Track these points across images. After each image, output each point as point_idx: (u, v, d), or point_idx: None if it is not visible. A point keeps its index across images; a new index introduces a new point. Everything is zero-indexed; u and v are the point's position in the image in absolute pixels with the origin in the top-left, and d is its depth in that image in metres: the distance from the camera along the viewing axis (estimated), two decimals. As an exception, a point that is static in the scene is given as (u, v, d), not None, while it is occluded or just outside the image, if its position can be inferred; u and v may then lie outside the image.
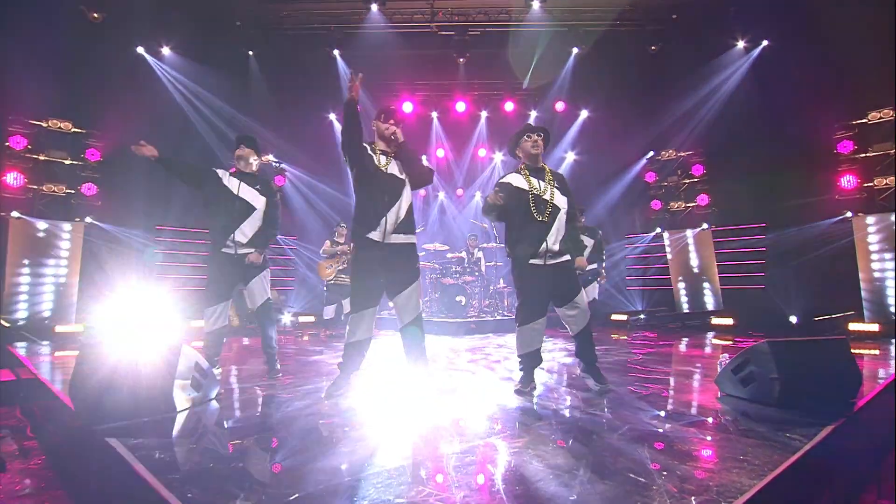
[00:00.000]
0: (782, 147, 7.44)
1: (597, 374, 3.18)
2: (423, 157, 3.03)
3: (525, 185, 3.17)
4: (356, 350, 3.11)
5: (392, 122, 3.16)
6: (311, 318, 8.98)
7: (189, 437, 2.27)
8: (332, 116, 10.18)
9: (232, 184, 3.70)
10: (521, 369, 3.23)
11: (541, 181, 3.20)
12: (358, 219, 3.09)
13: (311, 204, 10.04)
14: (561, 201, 3.19)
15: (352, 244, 3.22)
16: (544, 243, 3.10)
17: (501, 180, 3.24)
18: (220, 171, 3.73)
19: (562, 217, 3.17)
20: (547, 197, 3.14)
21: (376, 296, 3.13)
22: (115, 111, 7.34)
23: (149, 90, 8.03)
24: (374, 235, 3.03)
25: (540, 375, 3.71)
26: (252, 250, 3.67)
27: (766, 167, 7.67)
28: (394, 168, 3.15)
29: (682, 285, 8.96)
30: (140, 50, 8.03)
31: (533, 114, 10.30)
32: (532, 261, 3.14)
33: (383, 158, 3.15)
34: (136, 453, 1.89)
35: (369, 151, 3.13)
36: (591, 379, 3.18)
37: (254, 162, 3.82)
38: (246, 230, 3.66)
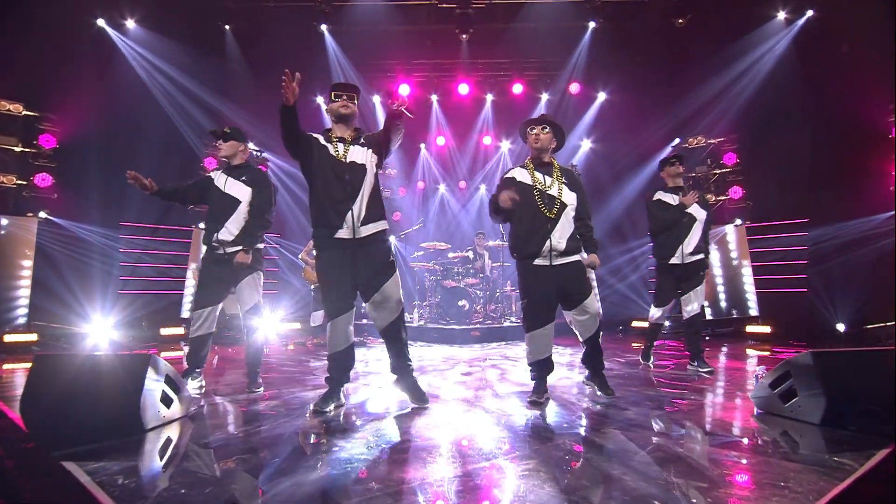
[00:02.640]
0: (827, 132, 7.37)
1: (602, 382, 3.41)
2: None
3: (529, 180, 3.31)
4: (342, 360, 3.15)
5: (344, 97, 3.13)
6: (297, 326, 8.98)
7: (158, 459, 2.25)
8: (320, 100, 10.16)
9: (219, 179, 3.83)
10: (532, 378, 3.36)
11: (547, 176, 3.33)
12: (319, 219, 3.07)
13: (295, 198, 10.03)
14: (569, 197, 3.31)
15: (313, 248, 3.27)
16: (548, 241, 3.20)
17: (506, 175, 3.41)
18: (212, 174, 3.90)
19: (569, 214, 3.28)
20: (553, 192, 3.26)
21: (349, 301, 3.12)
22: (72, 92, 7.32)
23: (111, 69, 7.96)
24: (343, 233, 3.02)
25: (551, 390, 3.71)
26: (239, 249, 3.69)
27: (808, 155, 7.62)
28: (355, 154, 3.12)
29: (719, 288, 8.92)
30: (101, 23, 7.96)
31: (544, 97, 10.29)
32: (536, 261, 3.25)
33: (341, 146, 3.12)
34: (97, 479, 1.87)
35: (322, 142, 3.12)
36: (596, 387, 3.44)
37: (240, 153, 3.88)
38: (231, 227, 3.72)
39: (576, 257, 3.29)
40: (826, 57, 7.49)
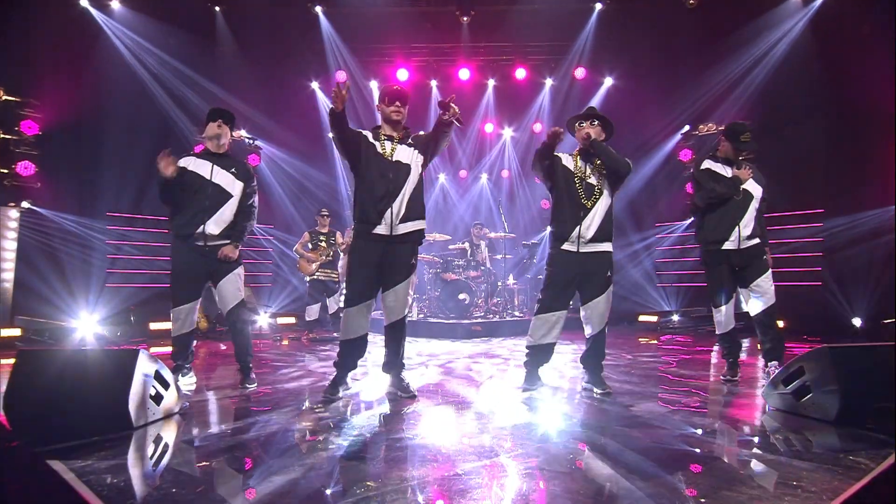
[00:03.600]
0: (845, 119, 7.32)
1: (597, 379, 3.46)
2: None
3: (571, 166, 3.49)
4: (354, 347, 3.32)
5: (398, 104, 3.32)
6: (292, 320, 8.99)
7: (148, 458, 2.25)
8: (315, 85, 10.12)
9: (202, 167, 3.67)
10: (525, 364, 3.56)
11: (589, 164, 3.50)
12: (361, 213, 3.29)
13: (290, 187, 10.01)
14: (605, 186, 3.47)
15: (351, 235, 3.52)
16: (578, 227, 3.38)
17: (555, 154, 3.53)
18: (183, 162, 3.65)
19: (604, 202, 3.44)
20: (593, 181, 3.44)
21: (373, 291, 3.33)
22: (55, 76, 7.26)
23: (96, 51, 7.90)
24: (381, 229, 3.24)
25: (556, 384, 3.72)
26: (225, 243, 3.65)
27: (824, 143, 7.58)
28: (401, 153, 3.33)
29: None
30: (84, 3, 7.90)
31: (548, 82, 10.24)
32: (564, 245, 3.43)
33: (388, 145, 3.33)
34: (85, 478, 1.87)
35: (371, 139, 3.32)
36: (593, 386, 3.47)
37: (226, 142, 3.80)
38: (219, 221, 3.64)
39: (604, 246, 3.44)
40: (845, 40, 7.40)
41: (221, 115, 3.79)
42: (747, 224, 3.88)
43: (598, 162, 3.46)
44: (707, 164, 4.06)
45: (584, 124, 3.50)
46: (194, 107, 8.49)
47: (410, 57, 10.06)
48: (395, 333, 3.39)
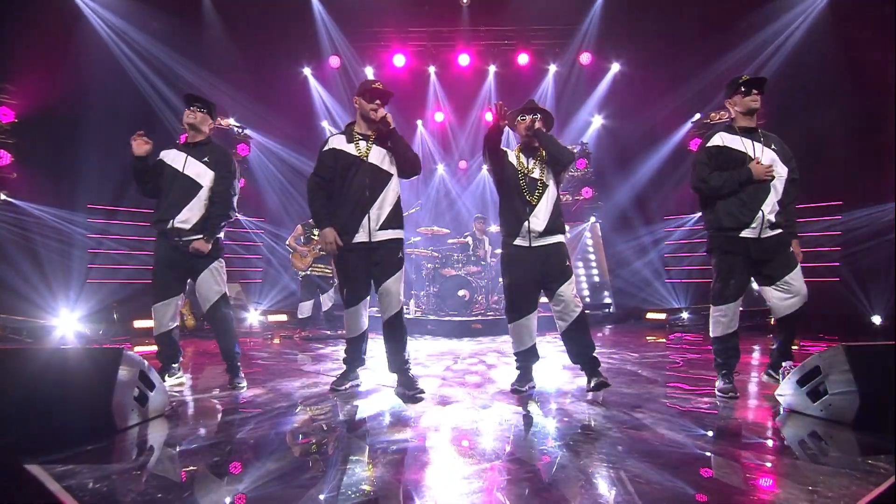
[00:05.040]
0: (865, 106, 7.28)
1: (591, 370, 3.42)
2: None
3: (515, 163, 3.56)
4: (359, 343, 3.63)
5: (379, 102, 3.36)
6: (284, 317, 8.99)
7: (132, 462, 2.25)
8: (308, 71, 10.08)
9: (177, 159, 3.69)
10: (517, 367, 3.63)
11: (530, 159, 3.56)
12: (339, 221, 3.37)
13: (281, 178, 9.99)
14: (550, 179, 3.53)
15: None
16: (527, 223, 3.43)
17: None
18: (162, 154, 3.73)
19: (550, 196, 3.49)
20: (536, 175, 3.50)
21: (366, 290, 3.53)
22: (31, 61, 7.21)
23: (76, 36, 7.85)
24: (360, 237, 3.35)
25: (558, 386, 3.72)
26: (198, 237, 3.61)
27: (843, 131, 7.55)
28: (376, 155, 3.40)
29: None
30: (63, -17, 7.86)
31: (552, 68, 10.22)
32: (517, 241, 3.50)
33: (363, 144, 3.39)
34: (66, 483, 1.87)
35: (339, 146, 3.39)
36: (590, 381, 3.41)
37: (207, 130, 3.78)
38: (188, 214, 3.61)
39: (556, 238, 3.48)
40: (865, 21, 7.33)
41: (195, 100, 3.75)
42: (772, 209, 3.36)
43: (541, 156, 3.54)
44: (717, 138, 3.46)
45: (527, 118, 3.56)
46: (180, 94, 8.41)
47: (407, 42, 10.03)
48: (393, 330, 3.46)
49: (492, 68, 10.35)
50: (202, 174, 3.67)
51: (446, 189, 11.30)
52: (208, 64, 8.90)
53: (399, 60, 9.90)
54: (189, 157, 3.69)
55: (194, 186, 3.64)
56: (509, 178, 3.53)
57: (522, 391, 3.47)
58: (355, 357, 3.65)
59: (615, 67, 9.92)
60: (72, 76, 7.51)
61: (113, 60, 8.12)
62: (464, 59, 9.99)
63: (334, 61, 9.88)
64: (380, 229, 3.36)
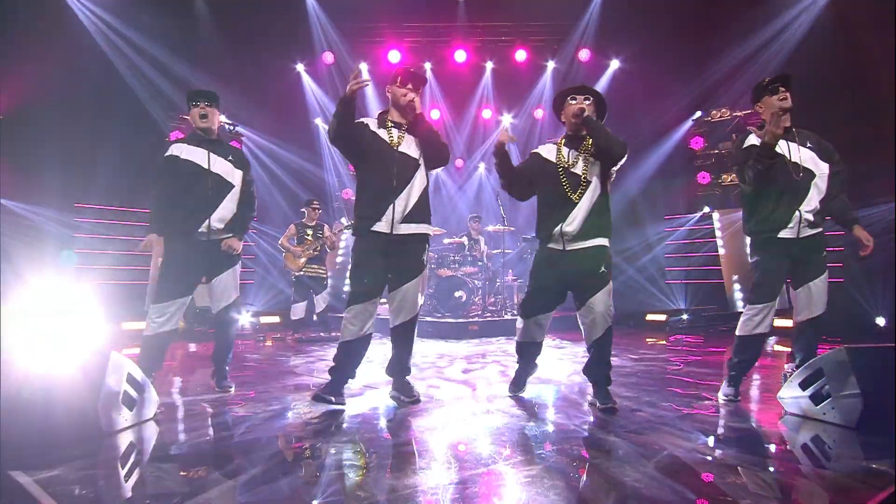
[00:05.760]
0: (869, 103, 7.29)
1: (603, 392, 3.18)
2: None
3: (553, 157, 3.27)
4: (353, 350, 3.23)
5: (410, 86, 3.24)
6: (276, 319, 8.97)
7: (119, 467, 2.23)
8: (301, 67, 10.07)
9: (197, 155, 3.55)
10: (518, 361, 3.54)
11: (573, 151, 3.24)
12: (361, 207, 3.23)
13: (274, 177, 9.98)
14: (595, 175, 3.18)
15: (354, 233, 3.36)
16: (560, 225, 3.15)
17: (532, 150, 3.40)
18: (174, 149, 3.54)
19: (593, 193, 3.16)
20: (578, 171, 3.17)
21: (379, 288, 3.26)
22: (18, 58, 7.17)
23: (64, 32, 7.82)
24: (381, 227, 3.16)
25: (558, 389, 3.72)
26: (229, 236, 3.61)
27: (847, 128, 7.52)
28: (408, 145, 3.25)
29: (736, 278, 8.96)
30: (48, -24, 7.82)
31: (550, 65, 10.22)
32: (549, 244, 3.26)
33: (395, 133, 3.25)
34: (50, 489, 1.85)
35: (373, 128, 3.24)
36: (597, 401, 3.17)
37: (217, 125, 3.70)
38: (223, 213, 3.57)
39: (597, 241, 3.17)
40: (871, 16, 7.31)
41: (205, 96, 3.64)
42: (810, 208, 3.33)
43: (586, 147, 3.21)
44: (751, 138, 3.44)
45: (577, 98, 3.23)
46: (170, 90, 8.42)
47: (403, 37, 10.03)
48: (404, 336, 3.34)
49: (489, 65, 10.36)
50: (230, 172, 3.63)
51: (443, 188, 11.30)
52: (198, 59, 8.87)
53: (394, 56, 9.89)
54: (212, 153, 3.59)
55: (226, 185, 3.60)
56: (546, 177, 3.24)
57: (520, 393, 3.45)
58: (346, 368, 3.26)
59: (615, 64, 9.94)
60: (57, 71, 7.46)
61: (100, 55, 8.08)
62: (460, 56, 9.99)
63: (328, 57, 9.87)
64: (403, 222, 3.17)
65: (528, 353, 3.49)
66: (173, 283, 3.50)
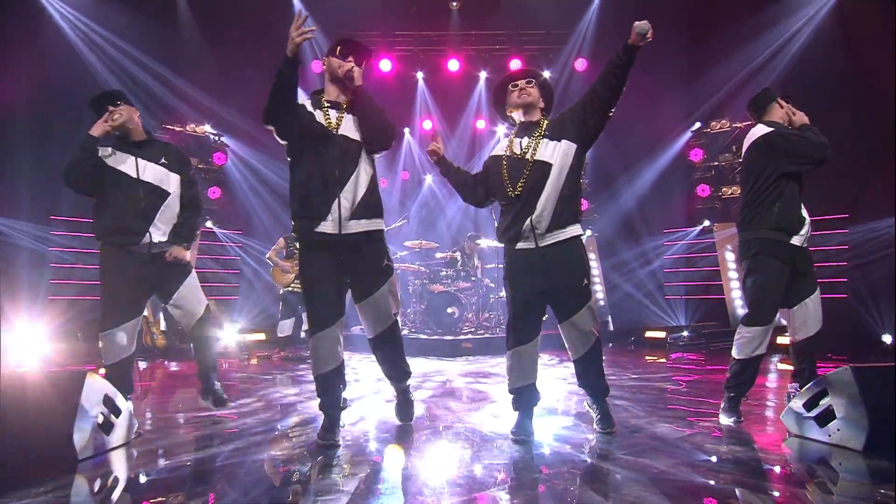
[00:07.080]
0: (873, 115, 7.34)
1: (603, 412, 3.09)
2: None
3: (507, 151, 3.08)
4: (330, 381, 2.91)
5: (352, 59, 2.94)
6: (262, 336, 8.89)
7: (95, 494, 2.21)
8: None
9: (123, 162, 3.32)
10: (514, 409, 3.07)
11: (527, 137, 3.05)
12: (299, 206, 2.86)
13: (260, 189, 9.95)
14: (549, 152, 2.94)
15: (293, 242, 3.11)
16: (529, 219, 2.90)
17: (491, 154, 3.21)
18: (101, 153, 3.30)
19: (557, 175, 2.90)
20: (536, 158, 2.94)
21: (340, 305, 2.94)
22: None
23: (39, 35, 7.78)
24: (327, 227, 2.80)
25: (554, 409, 3.71)
26: (174, 246, 3.42)
27: (850, 140, 7.62)
28: (348, 126, 2.90)
29: (737, 294, 9.01)
30: (20, -26, 7.80)
31: (546, 74, 10.30)
32: (520, 244, 2.97)
33: (333, 113, 2.90)
34: (22, 519, 1.83)
35: (309, 108, 2.90)
36: (595, 418, 3.11)
37: (139, 123, 3.46)
38: (161, 225, 3.36)
39: (569, 232, 2.92)
40: (874, 26, 7.34)
41: (109, 98, 3.36)
42: (805, 215, 3.26)
43: (540, 132, 3.01)
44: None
45: (520, 83, 3.10)
46: (150, 97, 8.41)
47: (394, 46, 10.10)
48: (386, 344, 3.09)
49: (483, 74, 10.42)
50: (165, 179, 3.40)
51: (435, 200, 11.32)
52: (181, 66, 8.87)
53: (385, 66, 9.95)
54: (140, 159, 3.35)
55: (161, 194, 3.37)
56: (499, 176, 3.01)
57: (526, 439, 2.91)
58: (332, 400, 2.92)
59: (611, 74, 10.02)
60: (30, 75, 7.40)
61: (76, 59, 8.00)
62: (453, 65, 10.06)
63: (317, 67, 9.91)
64: (353, 218, 2.82)
65: (526, 402, 3.05)
66: (120, 306, 3.29)
